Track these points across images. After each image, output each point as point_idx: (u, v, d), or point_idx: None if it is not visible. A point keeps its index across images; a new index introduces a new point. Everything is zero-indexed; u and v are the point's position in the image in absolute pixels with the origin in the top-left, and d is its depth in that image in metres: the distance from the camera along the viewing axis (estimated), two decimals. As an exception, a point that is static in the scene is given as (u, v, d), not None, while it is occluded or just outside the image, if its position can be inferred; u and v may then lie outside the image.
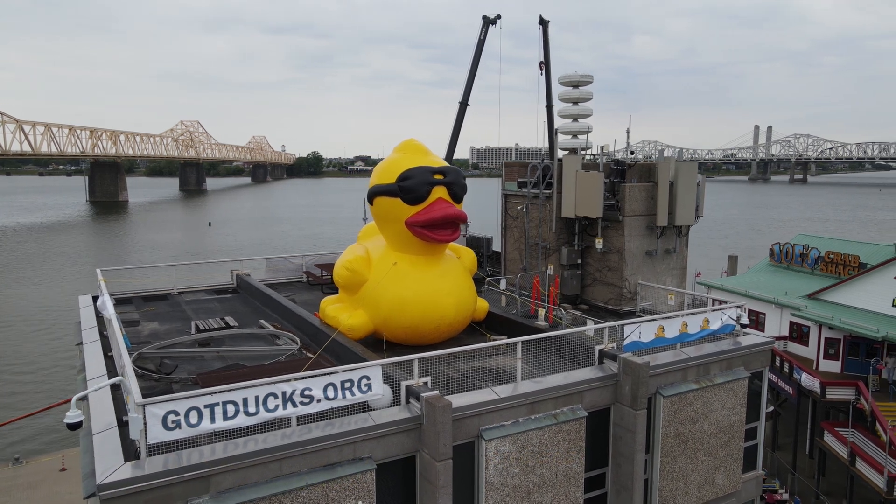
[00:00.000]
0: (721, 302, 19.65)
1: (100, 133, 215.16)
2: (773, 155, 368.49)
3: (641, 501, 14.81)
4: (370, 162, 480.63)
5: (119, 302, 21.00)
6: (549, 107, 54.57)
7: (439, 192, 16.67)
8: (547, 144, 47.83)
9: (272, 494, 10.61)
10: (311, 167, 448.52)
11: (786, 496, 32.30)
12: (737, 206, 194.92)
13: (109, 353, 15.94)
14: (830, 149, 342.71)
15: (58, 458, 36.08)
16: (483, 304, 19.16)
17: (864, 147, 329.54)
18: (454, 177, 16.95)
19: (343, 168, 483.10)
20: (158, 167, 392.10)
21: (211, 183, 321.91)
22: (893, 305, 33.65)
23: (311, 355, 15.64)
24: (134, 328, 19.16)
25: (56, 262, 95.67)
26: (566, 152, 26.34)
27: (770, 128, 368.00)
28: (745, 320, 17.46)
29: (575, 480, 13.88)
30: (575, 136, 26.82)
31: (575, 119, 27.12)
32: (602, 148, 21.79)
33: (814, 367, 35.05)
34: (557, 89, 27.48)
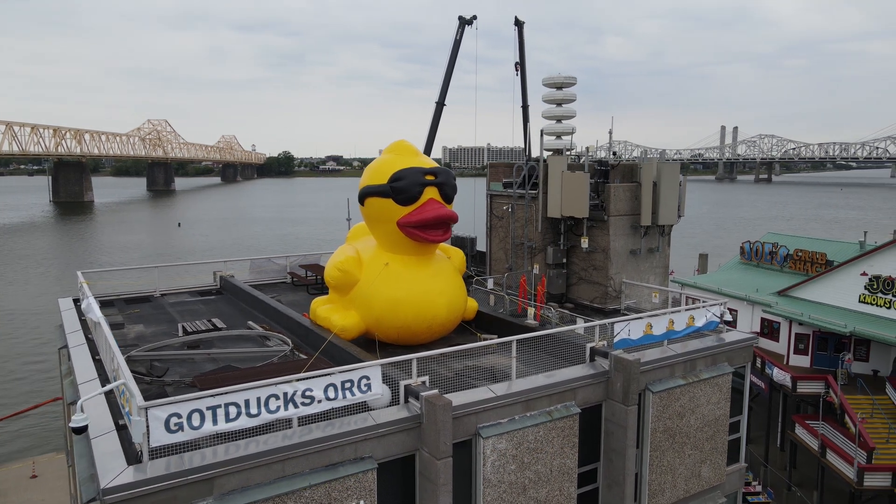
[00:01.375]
0: (694, 300, 20.19)
1: (63, 132, 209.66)
2: (739, 155, 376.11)
3: (632, 495, 15.14)
4: (342, 162, 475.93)
5: (100, 305, 20.60)
6: (525, 107, 55.00)
7: (431, 193, 16.80)
8: (520, 144, 48.30)
9: (276, 495, 10.61)
10: (281, 167, 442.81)
11: (759, 488, 33.12)
12: (705, 204, 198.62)
13: (96, 357, 15.68)
14: (794, 149, 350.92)
15: (28, 464, 35.11)
16: (473, 304, 19.37)
17: (825, 147, 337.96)
18: (445, 177, 17.11)
19: (315, 168, 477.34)
20: (125, 167, 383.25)
21: (180, 183, 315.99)
22: (860, 301, 34.83)
23: (304, 356, 15.63)
24: (119, 331, 18.86)
25: (19, 264, 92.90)
26: (550, 153, 26.66)
27: (736, 128, 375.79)
28: (728, 317, 17.96)
29: (569, 476, 14.13)
30: (559, 136, 27.23)
31: (559, 120, 27.54)
32: (587, 148, 22.16)
33: (784, 362, 36.06)
34: (540, 91, 27.90)
